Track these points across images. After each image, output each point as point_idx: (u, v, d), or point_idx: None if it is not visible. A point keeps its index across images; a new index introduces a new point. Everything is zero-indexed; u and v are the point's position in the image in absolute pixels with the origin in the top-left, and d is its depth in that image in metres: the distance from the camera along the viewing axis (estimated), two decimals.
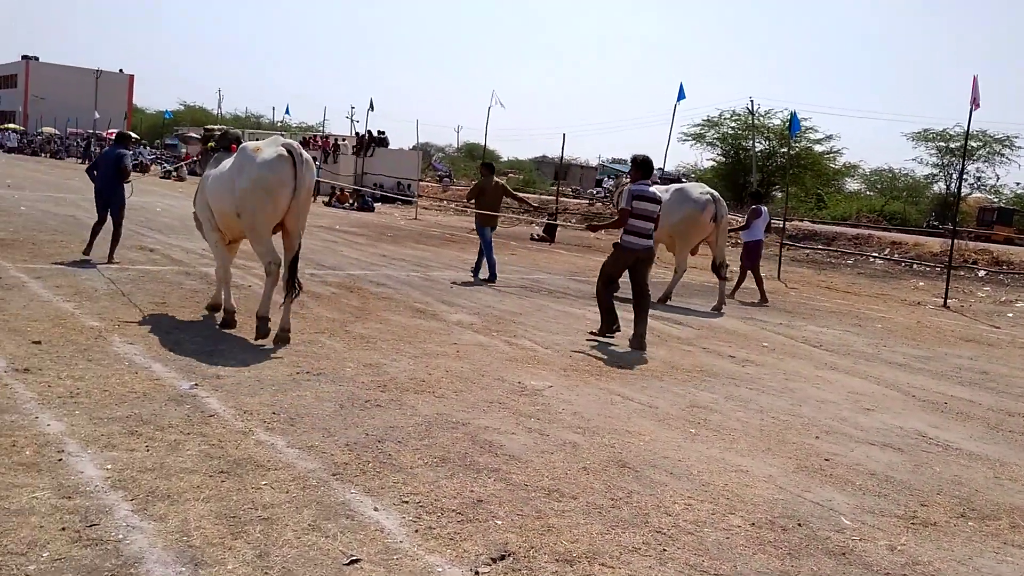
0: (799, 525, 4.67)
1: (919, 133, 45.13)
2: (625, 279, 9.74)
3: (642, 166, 9.88)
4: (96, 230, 12.17)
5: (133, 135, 14.69)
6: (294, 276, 8.15)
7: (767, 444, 6.14)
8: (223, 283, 8.80)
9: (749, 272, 14.93)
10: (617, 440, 5.85)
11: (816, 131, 47.56)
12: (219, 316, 8.72)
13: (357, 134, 45.51)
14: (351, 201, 33.44)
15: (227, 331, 8.16)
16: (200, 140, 9.76)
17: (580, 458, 5.39)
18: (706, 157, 56.51)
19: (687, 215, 13.06)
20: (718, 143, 51.92)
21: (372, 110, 37.83)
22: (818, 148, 48.14)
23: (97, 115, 65.02)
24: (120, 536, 3.74)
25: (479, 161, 52.02)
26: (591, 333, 9.86)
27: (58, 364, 6.38)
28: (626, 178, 13.89)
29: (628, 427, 6.18)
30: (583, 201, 44.05)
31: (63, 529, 3.75)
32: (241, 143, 9.35)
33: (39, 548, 3.57)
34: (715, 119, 50.99)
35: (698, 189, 13.69)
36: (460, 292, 12.19)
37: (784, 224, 23.76)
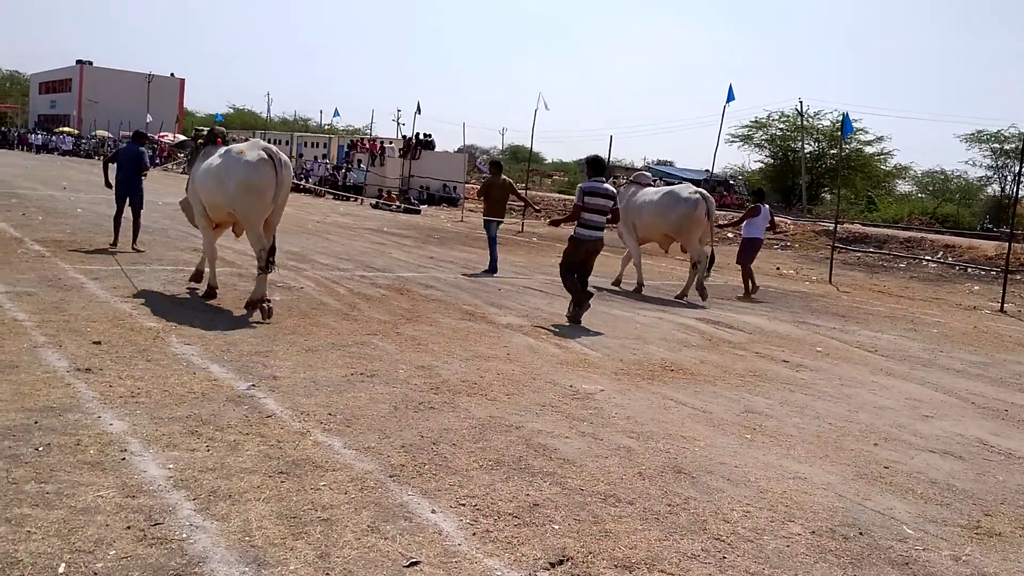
0: (860, 534, 4.59)
1: (972, 135, 44.09)
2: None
3: (593, 165, 10.95)
4: (117, 221, 13.45)
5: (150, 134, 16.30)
6: (272, 256, 9.30)
7: (824, 451, 6.05)
8: (211, 262, 10.02)
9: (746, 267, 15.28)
10: (672, 445, 5.79)
11: (867, 132, 46.89)
12: (202, 288, 10.04)
13: (404, 137, 45.78)
14: (397, 203, 33.66)
15: (273, 340, 8.21)
16: (192, 139, 11.37)
17: (635, 463, 5.35)
18: (754, 159, 55.98)
19: (683, 213, 13.64)
20: (766, 144, 51.38)
21: (419, 113, 37.94)
22: (869, 150, 47.47)
23: (149, 118, 66.12)
24: (184, 535, 3.78)
25: (524, 163, 52.09)
26: (567, 317, 10.55)
27: (118, 364, 6.48)
28: (624, 180, 14.78)
29: (683, 432, 6.13)
30: None
31: (128, 528, 3.80)
32: (225, 139, 10.54)
33: (106, 546, 3.62)
34: (763, 120, 50.44)
35: (688, 189, 14.31)
36: (509, 294, 12.19)
37: (835, 227, 23.44)
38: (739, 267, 15.48)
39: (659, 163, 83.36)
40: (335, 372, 6.89)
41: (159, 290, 9.75)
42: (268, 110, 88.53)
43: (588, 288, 10.69)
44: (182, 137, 68.16)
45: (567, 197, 45.64)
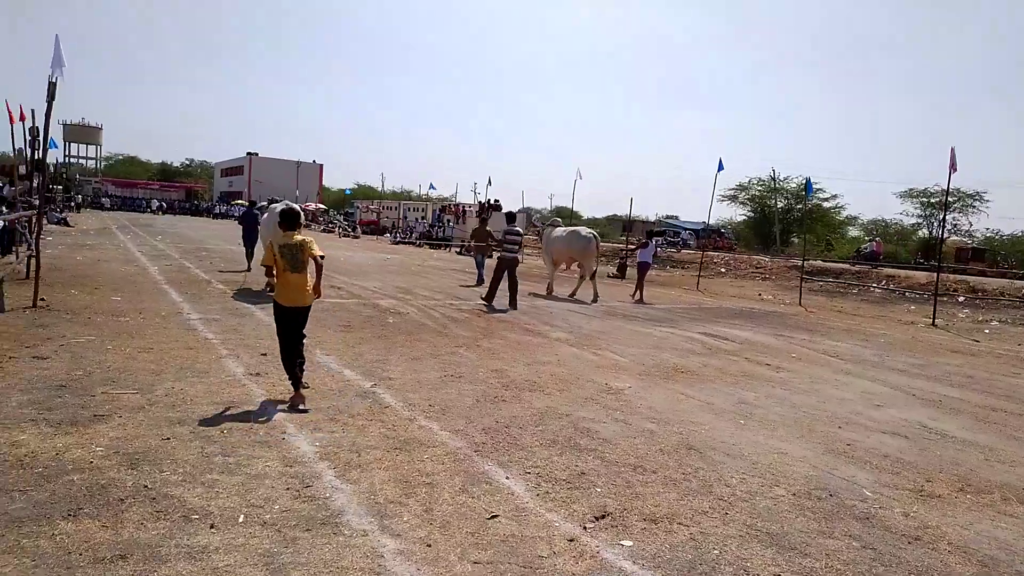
0: (830, 495, 4.45)
1: (906, 191, 43.12)
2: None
3: (509, 218, 14.24)
4: (248, 255, 15.53)
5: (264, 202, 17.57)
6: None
7: (800, 432, 5.88)
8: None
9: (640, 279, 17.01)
10: (684, 428, 5.68)
11: (824, 192, 46.34)
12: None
13: (479, 202, 46.11)
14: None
15: (388, 351, 8.27)
16: (265, 204, 14.88)
17: (657, 442, 5.26)
18: (739, 213, 55.31)
19: (583, 246, 15.25)
20: (748, 202, 50.84)
21: (490, 184, 38.33)
22: (826, 204, 46.68)
23: (297, 193, 67.59)
24: (328, 495, 3.82)
25: (565, 219, 52.13)
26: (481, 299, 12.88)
27: (279, 370, 6.51)
28: (550, 226, 17.26)
29: (692, 419, 6.01)
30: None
31: (287, 489, 3.86)
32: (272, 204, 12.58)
33: (271, 502, 3.67)
34: (745, 184, 50.14)
35: (584, 230, 15.93)
36: (557, 315, 12.13)
37: (803, 263, 22.91)
38: (638, 280, 17.10)
39: (667, 217, 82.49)
40: (433, 375, 6.92)
41: None
42: (382, 185, 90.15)
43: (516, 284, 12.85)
44: (323, 207, 69.75)
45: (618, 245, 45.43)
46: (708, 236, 39.55)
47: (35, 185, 15.24)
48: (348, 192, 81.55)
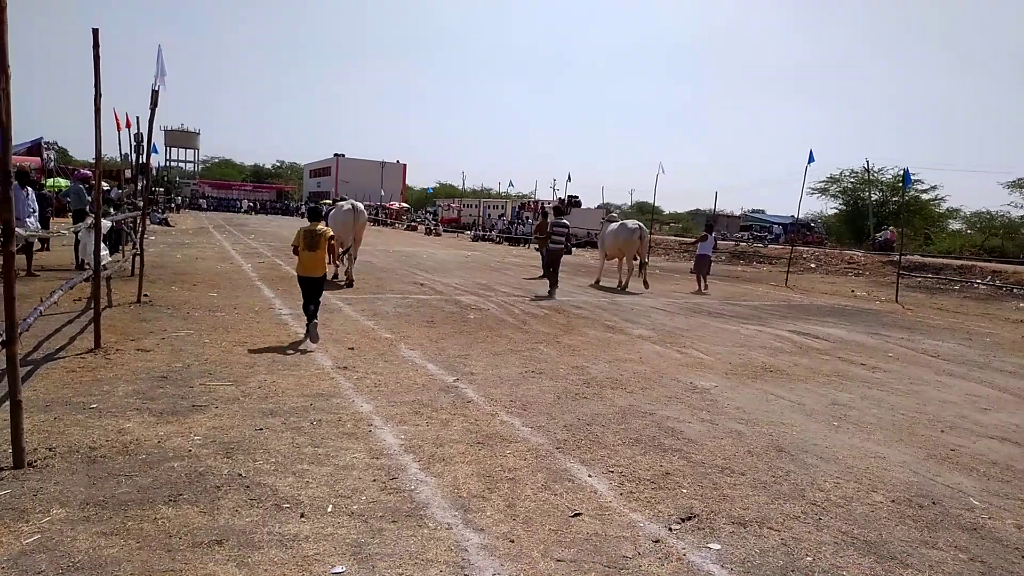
0: (933, 503, 4.18)
1: (1014, 182, 40.28)
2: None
3: (555, 211, 15.45)
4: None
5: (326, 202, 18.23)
6: (354, 254, 13.03)
7: (899, 436, 5.57)
8: (350, 261, 13.04)
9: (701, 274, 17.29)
10: (774, 430, 5.47)
11: (922, 183, 43.81)
12: (343, 280, 12.89)
13: (559, 199, 46.01)
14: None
15: (470, 347, 8.32)
16: (331, 202, 16.16)
17: (745, 443, 5.09)
18: (830, 206, 53.11)
19: (627, 236, 15.91)
20: (839, 195, 48.74)
21: (569, 181, 38.28)
22: (925, 196, 44.16)
23: (383, 193, 69.28)
24: (412, 487, 3.86)
25: (647, 215, 51.23)
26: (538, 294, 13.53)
27: (365, 363, 6.75)
28: (606, 221, 18.01)
29: (782, 420, 5.78)
30: (730, 243, 42.21)
31: (374, 480, 3.92)
32: (338, 203, 13.87)
33: (359, 493, 3.74)
34: (836, 176, 48.07)
35: (632, 223, 16.45)
36: (640, 313, 11.93)
37: (899, 258, 21.77)
38: (693, 274, 17.64)
39: (753, 211, 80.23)
40: (514, 370, 6.92)
41: (391, 312, 10.10)
42: (463, 183, 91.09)
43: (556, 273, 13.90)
44: (406, 205, 71.16)
45: (680, 239, 44.55)
46: (797, 230, 38.11)
47: (139, 188, 16.16)
48: (430, 191, 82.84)
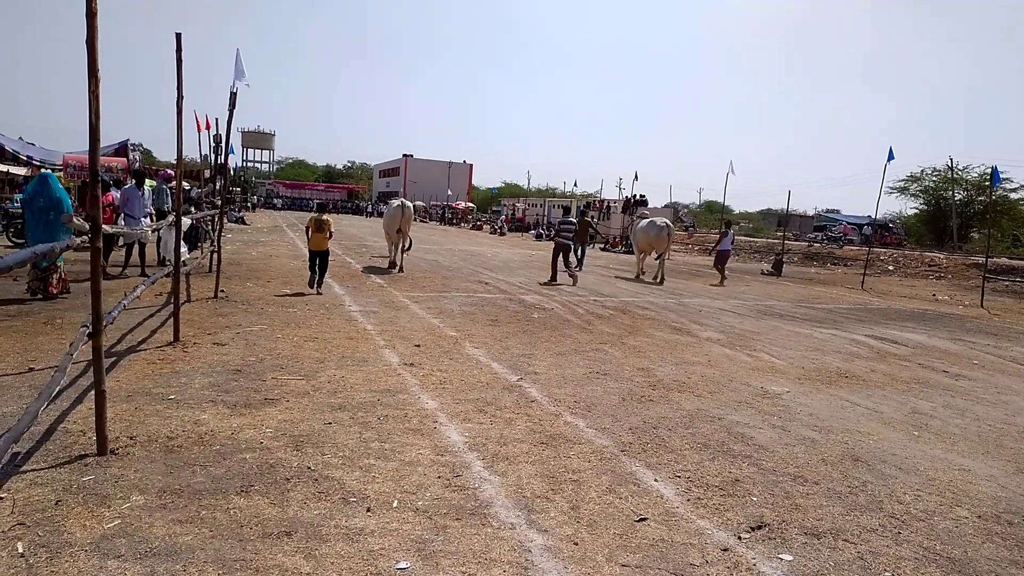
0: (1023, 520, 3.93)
1: None
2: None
3: (566, 211, 18.12)
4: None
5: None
6: (404, 245, 15.28)
7: (986, 448, 5.26)
8: (392, 251, 15.56)
9: (720, 268, 18.67)
10: (849, 438, 5.25)
11: (1011, 181, 41.56)
12: (393, 268, 15.02)
13: (625, 198, 45.48)
14: (620, 246, 33.38)
15: (534, 346, 8.29)
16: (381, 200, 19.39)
17: (819, 451, 4.89)
18: (909, 206, 50.91)
19: (655, 233, 17.51)
20: (920, 194, 46.60)
21: (636, 179, 37.67)
22: (1014, 196, 41.79)
23: (449, 192, 69.99)
24: (476, 485, 3.86)
25: (717, 215, 50.24)
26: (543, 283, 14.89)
27: (431, 360, 6.80)
28: (639, 218, 20.10)
29: (858, 428, 5.54)
30: (803, 243, 40.96)
31: (439, 477, 3.94)
32: (390, 200, 16.77)
33: (423, 489, 3.76)
34: (917, 175, 45.99)
35: (660, 220, 18.01)
36: (708, 314, 11.67)
37: (985, 260, 20.65)
38: (715, 268, 18.90)
39: (827, 211, 77.73)
40: (578, 371, 6.86)
41: (456, 310, 10.17)
42: (528, 183, 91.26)
43: (564, 271, 15.40)
44: (472, 205, 71.67)
45: (751, 239, 43.45)
46: (875, 231, 36.63)
47: (217, 187, 16.75)
48: (495, 191, 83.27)
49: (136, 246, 12.21)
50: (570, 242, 15.84)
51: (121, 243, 11.96)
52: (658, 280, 17.02)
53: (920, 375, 7.83)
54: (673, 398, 6.06)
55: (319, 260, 10.98)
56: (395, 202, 15.39)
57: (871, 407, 6.25)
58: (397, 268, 15.01)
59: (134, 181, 12.46)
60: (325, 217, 11.16)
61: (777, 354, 8.46)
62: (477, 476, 3.98)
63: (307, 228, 11.20)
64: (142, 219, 11.92)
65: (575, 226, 16.48)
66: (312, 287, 10.89)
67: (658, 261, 17.73)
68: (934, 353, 9.39)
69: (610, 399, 5.88)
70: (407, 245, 15.55)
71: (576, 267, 18.03)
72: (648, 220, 18.43)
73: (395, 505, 3.55)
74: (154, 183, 15.02)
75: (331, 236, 11.26)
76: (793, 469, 4.49)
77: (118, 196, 12.22)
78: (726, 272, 18.69)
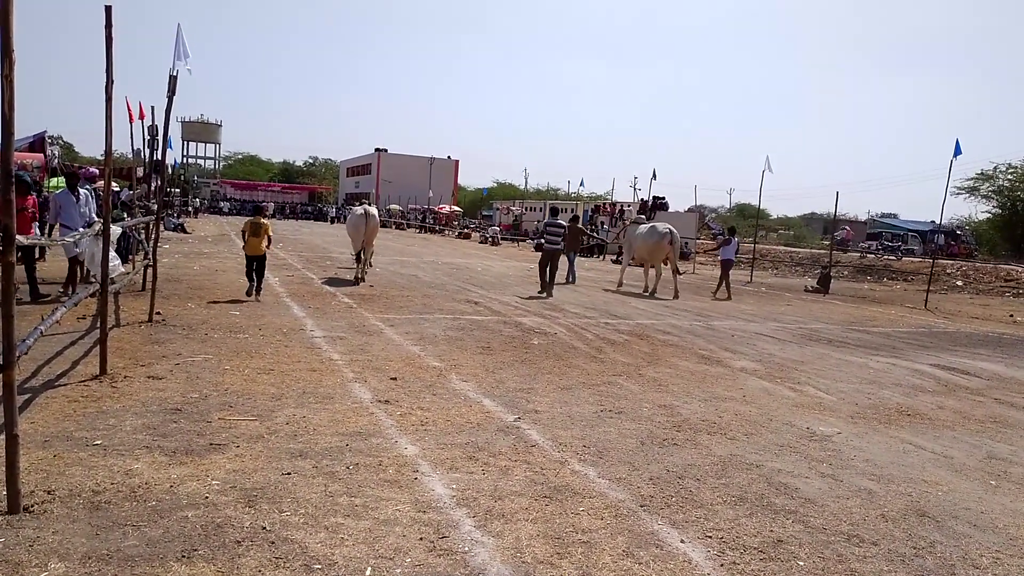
0: None
1: None
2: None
3: (552, 212, 19.44)
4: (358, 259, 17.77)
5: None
6: (366, 257, 16.82)
7: None
8: (362, 263, 16.83)
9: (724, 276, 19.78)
10: (914, 489, 5.25)
11: None
12: (359, 281, 16.31)
13: (641, 200, 45.71)
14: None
15: (534, 379, 8.29)
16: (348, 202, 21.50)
17: (877, 505, 4.89)
18: (980, 209, 51.33)
19: (656, 240, 18.27)
20: (993, 196, 46.95)
21: (655, 179, 37.70)
22: None
23: (431, 193, 70.12)
24: (466, 548, 3.84)
25: (751, 220, 50.39)
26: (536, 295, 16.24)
27: (410, 397, 6.79)
28: (632, 223, 21.13)
29: (924, 476, 5.54)
30: (854, 254, 41.21)
31: (420, 539, 3.92)
32: (352, 207, 19.68)
33: (402, 554, 3.74)
34: (989, 172, 46.32)
35: (661, 226, 18.88)
36: (742, 340, 11.71)
37: None
38: (719, 278, 20.03)
39: (882, 216, 78.26)
40: (587, 408, 6.86)
41: (440, 335, 10.17)
42: (525, 183, 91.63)
43: (555, 272, 16.87)
44: (458, 209, 71.83)
45: (792, 250, 43.69)
46: (939, 239, 36.86)
47: (153, 188, 16.77)
48: (485, 192, 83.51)
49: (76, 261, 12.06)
50: (558, 247, 16.93)
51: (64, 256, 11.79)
52: (675, 293, 18.05)
53: (997, 412, 7.84)
54: (702, 441, 6.06)
55: (256, 265, 12.52)
56: (358, 209, 16.67)
57: (939, 451, 6.25)
58: (356, 279, 16.38)
59: (65, 184, 12.24)
60: (262, 220, 12.82)
61: (825, 388, 8.48)
62: (467, 537, 3.97)
63: (243, 232, 12.79)
64: (79, 230, 11.73)
65: (564, 230, 17.52)
66: (249, 295, 12.40)
67: (671, 272, 18.49)
68: (1013, 386, 9.41)
69: (626, 443, 5.87)
70: (366, 256, 16.94)
71: (568, 280, 19.96)
72: (648, 225, 19.35)
73: (368, 573, 3.53)
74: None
75: (270, 241, 12.83)
76: (847, 527, 4.49)
77: (51, 201, 12.03)
78: (730, 283, 19.88)
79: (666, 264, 18.48)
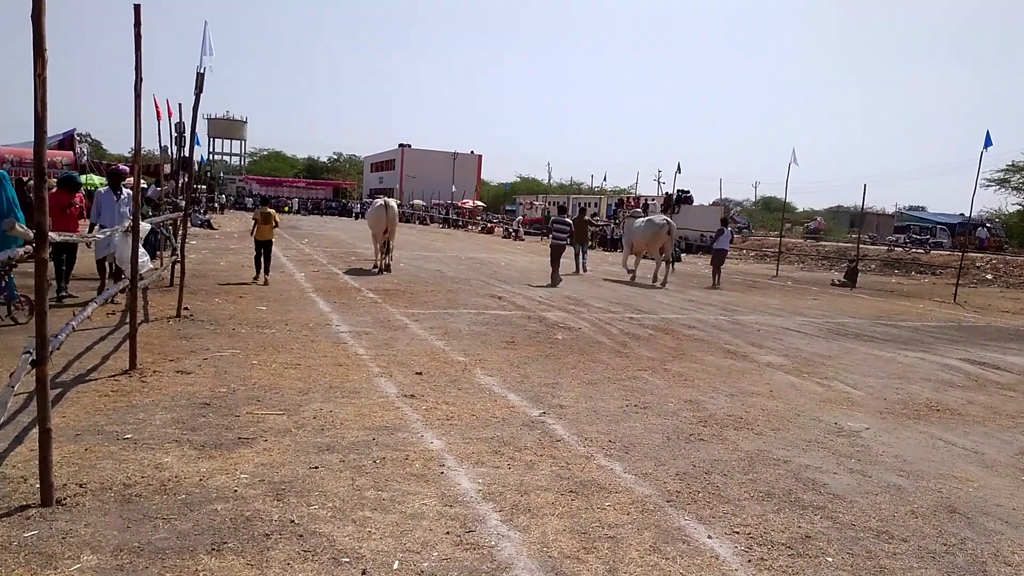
0: None
1: None
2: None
3: (561, 210, 22.36)
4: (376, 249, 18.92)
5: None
6: (390, 248, 17.84)
7: None
8: (376, 252, 18.07)
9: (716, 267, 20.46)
10: (944, 485, 5.19)
11: None
12: (377, 270, 17.62)
13: (665, 194, 45.47)
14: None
15: (559, 373, 8.28)
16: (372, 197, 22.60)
17: (907, 501, 4.83)
18: (1011, 201, 50.61)
19: (655, 231, 19.32)
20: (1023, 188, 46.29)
21: (679, 172, 37.54)
22: None
23: (454, 188, 70.09)
24: (493, 543, 3.84)
25: (776, 213, 50.00)
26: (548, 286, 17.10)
27: (435, 391, 6.81)
28: (630, 217, 24.32)
29: (954, 472, 5.48)
30: (881, 247, 40.76)
31: (447, 533, 3.93)
32: (373, 200, 20.48)
33: (429, 548, 3.75)
34: (1020, 164, 45.63)
35: (659, 218, 20.45)
36: (768, 334, 11.62)
37: None
38: (710, 266, 20.91)
39: (910, 208, 77.36)
40: (612, 403, 6.84)
41: (465, 330, 10.19)
42: (548, 177, 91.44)
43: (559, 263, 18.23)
44: (481, 204, 71.75)
45: (819, 244, 43.30)
46: (969, 232, 36.34)
47: (180, 185, 16.92)
48: (508, 187, 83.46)
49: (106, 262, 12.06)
50: (564, 243, 18.47)
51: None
52: (659, 283, 19.02)
53: None
54: (729, 436, 6.03)
55: (264, 250, 14.28)
56: (378, 201, 17.94)
57: (969, 447, 6.18)
58: (379, 270, 17.58)
59: (108, 184, 12.05)
60: (270, 210, 14.78)
61: (853, 383, 8.40)
62: (493, 532, 3.97)
63: (254, 220, 14.62)
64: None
65: (570, 226, 19.26)
66: (257, 280, 14.10)
67: (663, 262, 19.67)
68: None
69: (652, 438, 5.85)
70: (390, 248, 18.05)
71: (580, 270, 21.40)
72: (646, 219, 20.95)
73: (396, 567, 3.54)
74: (104, 180, 15.09)
75: (276, 225, 14.79)
76: (876, 523, 4.44)
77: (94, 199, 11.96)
78: (722, 273, 20.60)
79: (661, 253, 19.55)
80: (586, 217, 23.77)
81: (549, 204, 57.89)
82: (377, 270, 17.63)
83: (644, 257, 21.10)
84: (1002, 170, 46.83)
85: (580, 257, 21.84)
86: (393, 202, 17.91)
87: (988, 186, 47.95)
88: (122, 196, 11.60)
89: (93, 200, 11.70)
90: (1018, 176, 46.25)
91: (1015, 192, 47.84)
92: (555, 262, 18.16)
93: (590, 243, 26.10)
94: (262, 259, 14.22)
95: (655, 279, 19.36)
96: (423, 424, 5.78)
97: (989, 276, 27.40)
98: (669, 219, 20.21)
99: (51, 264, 11.51)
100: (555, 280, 17.75)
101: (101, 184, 23.77)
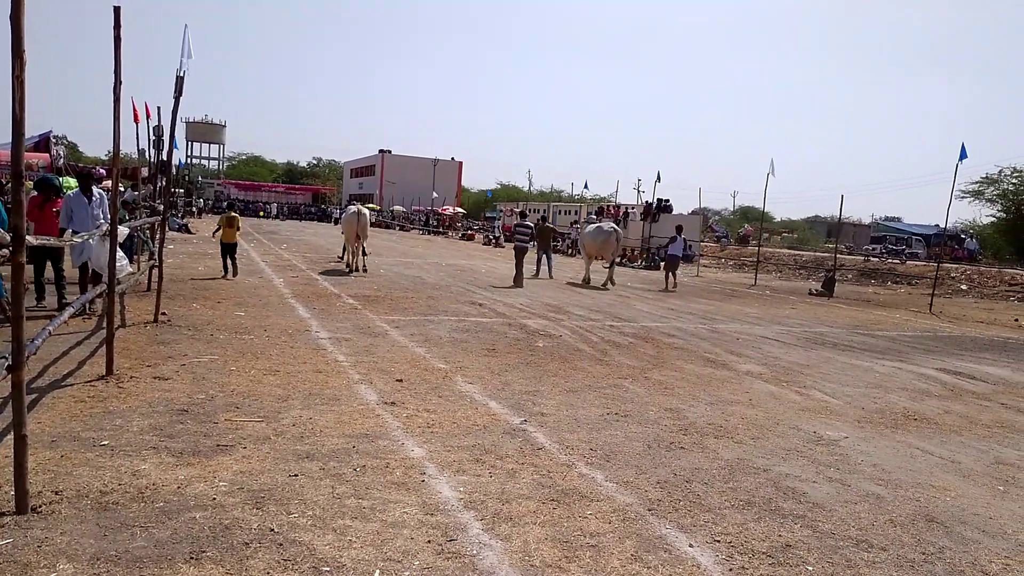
0: None
1: None
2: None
3: (522, 216, 22.16)
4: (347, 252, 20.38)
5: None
6: (365, 251, 19.63)
7: None
8: (350, 254, 19.45)
9: (670, 272, 21.79)
10: (922, 494, 5.24)
11: None
12: (349, 270, 18.89)
13: (645, 202, 45.64)
14: (640, 261, 33.49)
15: (539, 381, 8.28)
16: (351, 203, 25.46)
17: (885, 510, 4.87)
18: (985, 213, 51.31)
19: (603, 238, 21.02)
20: (998, 199, 46.95)
21: (659, 181, 37.60)
22: None
23: (435, 195, 70.05)
24: (474, 552, 3.83)
25: (755, 222, 50.34)
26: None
27: (416, 398, 6.79)
28: (584, 222, 26.29)
29: (932, 481, 5.53)
30: (858, 257, 41.16)
31: (428, 542, 3.91)
32: (351, 202, 27.38)
33: (411, 557, 3.73)
34: (994, 176, 46.37)
35: (607, 225, 22.37)
36: (747, 343, 11.68)
37: None
38: (664, 272, 22.31)
39: (887, 219, 78.20)
40: (593, 411, 6.85)
41: (445, 337, 10.17)
42: (529, 184, 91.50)
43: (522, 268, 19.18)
44: (461, 211, 71.71)
45: (796, 252, 43.67)
46: (944, 243, 36.79)
47: (158, 188, 16.80)
48: (489, 194, 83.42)
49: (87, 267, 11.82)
50: (526, 244, 19.82)
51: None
52: (606, 285, 20.36)
53: (1004, 417, 7.82)
54: (709, 445, 6.05)
55: (230, 252, 15.85)
56: (352, 208, 19.69)
57: (946, 456, 6.24)
58: (353, 270, 18.86)
59: (78, 186, 11.71)
60: (234, 214, 16.48)
61: (832, 392, 8.47)
62: (475, 540, 3.96)
63: (219, 225, 16.23)
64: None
65: (532, 228, 20.81)
66: (225, 276, 15.52)
67: (608, 267, 21.34)
68: (1019, 390, 9.39)
69: (633, 446, 5.86)
70: (365, 251, 19.96)
71: (549, 276, 22.32)
72: (595, 225, 22.88)
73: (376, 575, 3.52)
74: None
75: (239, 230, 16.39)
76: (855, 532, 4.48)
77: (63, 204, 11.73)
78: (676, 278, 21.86)
79: (611, 256, 21.38)
80: (548, 224, 24.92)
81: (530, 211, 57.94)
82: (349, 270, 18.93)
83: (598, 258, 22.37)
84: (976, 182, 47.49)
85: (545, 263, 22.78)
86: (366, 209, 19.72)
87: (963, 197, 48.59)
88: (94, 199, 11.26)
89: (63, 205, 11.32)
90: (992, 188, 46.91)
91: (989, 204, 48.53)
92: (519, 264, 19.19)
93: (555, 245, 27.83)
94: (228, 261, 15.84)
95: (606, 282, 20.59)
96: (404, 432, 5.76)
97: (964, 287, 27.73)
98: (616, 227, 22.16)
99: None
100: (518, 281, 18.70)
101: (75, 186, 23.47)
